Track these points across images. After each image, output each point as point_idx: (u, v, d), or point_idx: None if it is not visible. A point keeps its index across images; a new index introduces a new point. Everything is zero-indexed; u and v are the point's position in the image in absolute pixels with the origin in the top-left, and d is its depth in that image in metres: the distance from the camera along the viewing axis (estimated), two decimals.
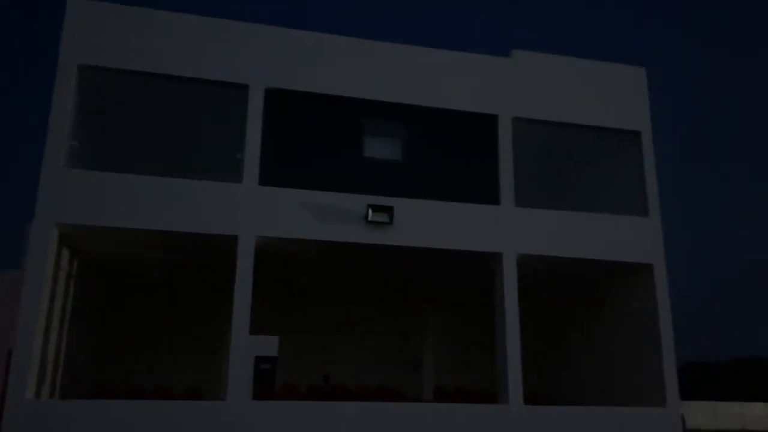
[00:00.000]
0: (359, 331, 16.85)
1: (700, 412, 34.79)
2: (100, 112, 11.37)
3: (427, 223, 11.76)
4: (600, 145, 13.40)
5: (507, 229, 12.17)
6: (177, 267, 14.07)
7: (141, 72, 11.32)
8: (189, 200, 10.83)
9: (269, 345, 11.68)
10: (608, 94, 13.44)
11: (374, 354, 16.61)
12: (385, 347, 16.86)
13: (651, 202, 12.97)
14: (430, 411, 11.67)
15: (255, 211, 11.08)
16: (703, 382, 48.67)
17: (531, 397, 11.84)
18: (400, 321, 17.20)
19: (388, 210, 11.31)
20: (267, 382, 14.19)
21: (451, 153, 12.78)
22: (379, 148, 12.38)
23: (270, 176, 11.35)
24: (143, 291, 15.69)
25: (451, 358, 16.69)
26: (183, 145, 11.50)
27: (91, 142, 11.10)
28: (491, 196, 12.38)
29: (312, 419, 10.57)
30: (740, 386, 45.91)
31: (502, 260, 12.04)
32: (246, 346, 10.58)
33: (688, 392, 35.94)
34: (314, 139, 12.10)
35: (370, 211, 11.25)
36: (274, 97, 11.73)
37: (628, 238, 12.64)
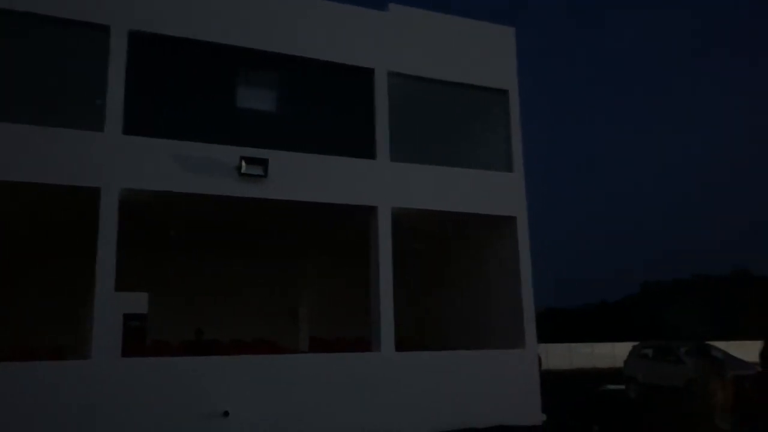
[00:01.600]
0: (234, 284, 16.66)
1: (556, 353, 37.85)
2: None
3: (302, 177, 11.73)
4: (470, 102, 13.88)
5: (382, 183, 12.40)
6: (34, 221, 13.13)
7: None
8: (45, 149, 10.05)
9: (138, 301, 11.33)
10: (479, 52, 13.87)
11: (249, 308, 16.53)
12: (261, 300, 16.82)
13: (515, 158, 13.69)
14: (305, 361, 11.88)
15: (119, 161, 10.50)
16: (561, 326, 52.72)
17: (403, 344, 12.35)
18: (275, 273, 17.18)
19: (263, 162, 11.13)
20: (136, 339, 13.76)
21: (328, 106, 12.73)
22: (253, 99, 12.08)
23: (136, 125, 10.74)
24: None
25: (328, 308, 16.96)
26: (37, 90, 10.59)
27: None
28: (367, 150, 12.53)
29: (184, 374, 10.41)
30: (592, 329, 50.33)
31: (377, 213, 12.29)
32: (112, 304, 10.15)
33: (548, 336, 38.82)
34: (184, 87, 11.58)
35: (243, 164, 11.01)
36: (140, 41, 11.04)
37: (494, 192, 13.31)
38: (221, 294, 16.42)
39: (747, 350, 26.83)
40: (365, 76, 12.73)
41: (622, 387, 20.42)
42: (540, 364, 13.94)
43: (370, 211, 12.39)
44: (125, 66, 10.76)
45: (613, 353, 37.73)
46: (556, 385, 20.71)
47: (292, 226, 14.30)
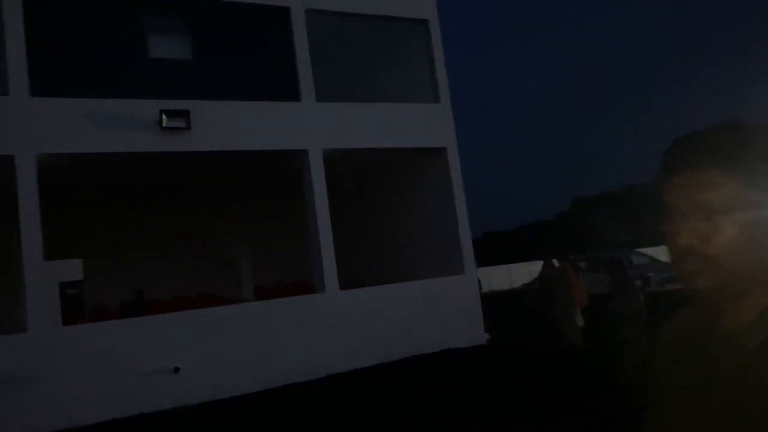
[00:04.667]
0: (169, 241, 16.36)
1: (496, 275, 39.14)
2: None
3: (227, 125, 11.45)
4: (391, 34, 13.71)
5: (310, 125, 12.25)
6: None
7: None
8: None
9: (72, 269, 11.01)
10: None
11: (188, 262, 16.32)
12: (199, 254, 16.61)
13: (441, 88, 13.72)
14: (251, 309, 11.93)
15: (31, 126, 9.97)
16: (501, 248, 54.31)
17: (346, 282, 12.53)
18: (210, 225, 16.93)
19: (184, 114, 10.79)
20: (75, 307, 13.48)
21: (246, 50, 12.35)
22: (167, 48, 11.58)
23: (44, 86, 10.19)
24: None
25: (268, 255, 16.94)
26: None
27: None
28: (291, 93, 12.29)
29: (128, 336, 10.31)
30: (530, 248, 52.12)
31: (308, 156, 12.20)
32: (43, 273, 9.85)
33: (488, 259, 39.76)
34: (92, 41, 10.98)
35: (163, 117, 10.65)
36: None
37: (423, 124, 13.38)
38: (157, 252, 16.12)
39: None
40: (282, 15, 12.34)
41: None
42: (480, 288, 14.43)
43: (301, 155, 12.28)
44: (23, 24, 10.07)
45: None
46: (498, 305, 21.54)
47: (222, 175, 14.05)
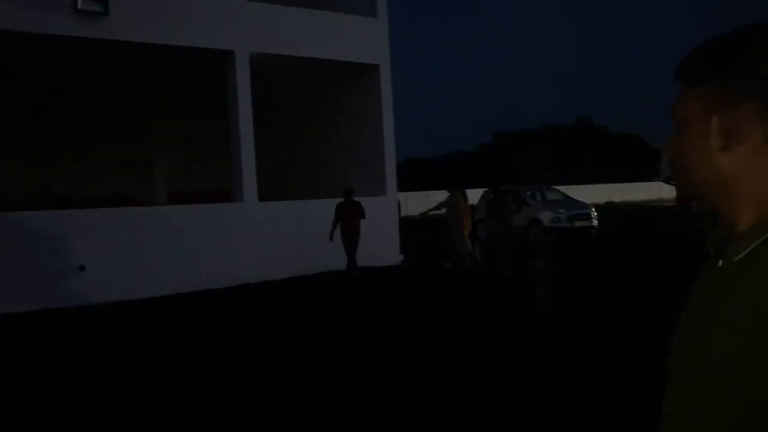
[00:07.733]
0: (83, 138, 15.44)
1: (415, 200, 39.76)
2: None
3: (149, 15, 10.69)
4: None
5: (239, 25, 11.65)
6: None
7: None
8: None
9: None
10: None
11: (101, 162, 15.53)
12: (113, 154, 15.81)
13: (379, 1, 13.29)
14: (165, 212, 11.62)
15: None
16: (420, 175, 54.93)
17: (265, 194, 12.32)
18: (127, 125, 16.06)
19: None
20: None
21: None
22: None
23: None
24: None
25: (186, 161, 16.36)
26: None
27: None
28: None
29: (32, 230, 9.80)
30: (450, 177, 52.93)
31: (234, 58, 11.65)
32: None
33: (407, 185, 40.15)
34: None
35: None
36: None
37: (358, 38, 12.98)
38: (70, 148, 15.22)
39: (582, 193, 29.61)
40: None
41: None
42: (400, 211, 14.59)
43: (227, 56, 11.70)
44: None
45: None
46: (415, 229, 21.96)
47: (141, 72, 13.25)
